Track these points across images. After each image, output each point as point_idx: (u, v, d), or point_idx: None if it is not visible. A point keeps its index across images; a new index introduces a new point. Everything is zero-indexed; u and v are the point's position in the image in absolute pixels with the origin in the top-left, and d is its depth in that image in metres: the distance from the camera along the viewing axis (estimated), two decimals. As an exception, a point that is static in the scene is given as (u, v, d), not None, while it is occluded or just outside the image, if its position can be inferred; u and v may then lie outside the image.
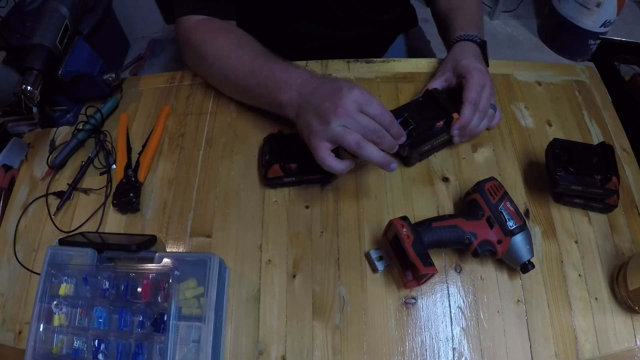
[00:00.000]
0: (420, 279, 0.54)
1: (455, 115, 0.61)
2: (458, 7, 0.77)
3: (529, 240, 0.54)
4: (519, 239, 0.53)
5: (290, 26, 0.82)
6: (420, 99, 0.66)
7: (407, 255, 0.50)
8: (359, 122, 0.52)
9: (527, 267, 0.53)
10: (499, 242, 0.53)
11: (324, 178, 0.63)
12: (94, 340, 0.49)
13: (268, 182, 0.62)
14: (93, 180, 0.66)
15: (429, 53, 1.01)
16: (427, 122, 0.62)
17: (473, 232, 0.53)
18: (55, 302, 0.51)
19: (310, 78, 0.58)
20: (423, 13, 0.98)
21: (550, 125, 0.70)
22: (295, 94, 0.57)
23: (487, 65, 0.69)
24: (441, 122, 0.62)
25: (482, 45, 0.70)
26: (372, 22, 0.85)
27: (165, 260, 0.51)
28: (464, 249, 0.55)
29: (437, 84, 0.68)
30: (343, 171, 0.54)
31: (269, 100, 0.61)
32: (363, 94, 0.53)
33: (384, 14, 0.86)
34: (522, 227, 0.53)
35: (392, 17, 0.88)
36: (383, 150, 0.54)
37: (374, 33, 0.87)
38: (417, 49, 1.00)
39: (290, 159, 0.60)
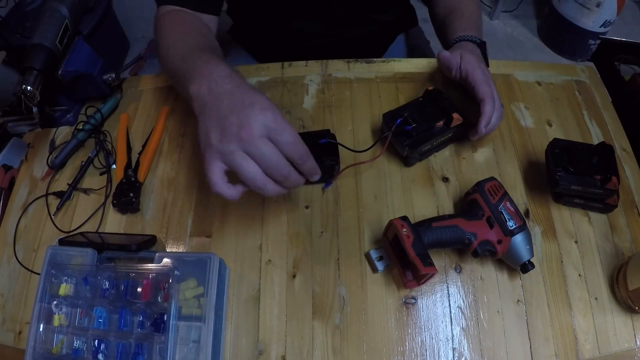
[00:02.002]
0: (420, 279, 0.54)
1: (455, 115, 0.61)
2: (456, 9, 0.76)
3: (529, 240, 0.54)
4: (519, 239, 0.53)
5: (289, 24, 0.82)
6: (420, 99, 0.66)
7: (407, 255, 0.50)
8: (262, 152, 0.43)
9: (527, 267, 0.53)
10: (499, 242, 0.53)
11: (325, 179, 0.63)
12: (94, 340, 0.49)
13: None
14: (93, 180, 0.66)
15: (429, 53, 1.01)
16: (427, 122, 0.62)
17: (473, 232, 0.53)
18: (55, 302, 0.51)
19: (227, 76, 0.49)
20: (423, 13, 0.98)
21: (550, 125, 0.70)
22: (205, 88, 0.48)
23: (487, 66, 0.68)
24: (441, 122, 0.62)
25: (482, 46, 0.70)
26: (372, 21, 0.85)
27: (165, 260, 0.51)
28: (464, 249, 0.55)
29: (450, 58, 0.66)
30: (234, 198, 0.46)
31: (184, 91, 0.53)
32: (276, 118, 0.44)
33: (383, 14, 0.86)
34: (522, 227, 0.53)
35: (392, 17, 0.88)
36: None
37: (374, 32, 0.87)
38: (417, 49, 1.00)
39: None
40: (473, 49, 0.68)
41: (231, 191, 0.46)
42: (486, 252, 0.54)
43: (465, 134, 0.64)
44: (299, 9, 0.79)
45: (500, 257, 0.54)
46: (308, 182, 0.50)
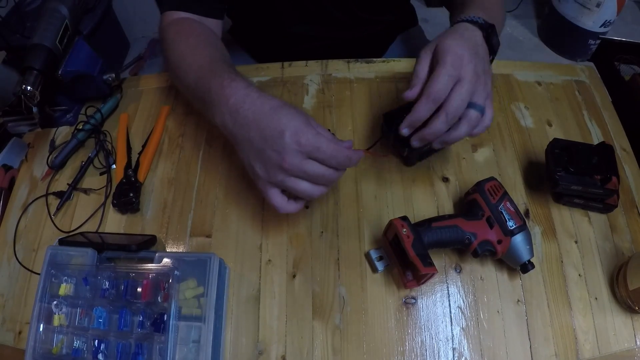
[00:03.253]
0: (420, 279, 0.54)
1: None
2: None
3: (529, 240, 0.54)
4: (519, 239, 0.53)
5: (289, 28, 0.82)
6: None
7: (407, 255, 0.50)
8: (307, 173, 0.46)
9: (527, 267, 0.53)
10: (499, 242, 0.53)
11: None
12: (94, 340, 0.49)
13: None
14: (93, 180, 0.66)
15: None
16: (427, 122, 0.62)
17: (473, 232, 0.53)
18: (55, 302, 0.51)
19: (243, 98, 0.49)
20: (423, 13, 0.99)
21: (550, 125, 0.70)
22: (228, 119, 0.50)
23: (492, 57, 0.57)
24: None
25: (487, 29, 0.55)
26: (371, 22, 0.85)
27: (165, 260, 0.51)
28: (464, 249, 0.55)
29: (418, 80, 0.54)
30: (297, 210, 0.51)
31: (206, 116, 0.55)
32: (308, 139, 0.45)
33: (383, 16, 0.85)
34: (522, 227, 0.53)
35: (391, 18, 0.88)
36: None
37: (374, 34, 0.87)
38: (417, 49, 1.00)
39: None
40: (463, 32, 0.53)
41: (294, 206, 0.51)
42: (486, 252, 0.54)
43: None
44: (298, 13, 0.79)
45: (500, 257, 0.54)
46: None
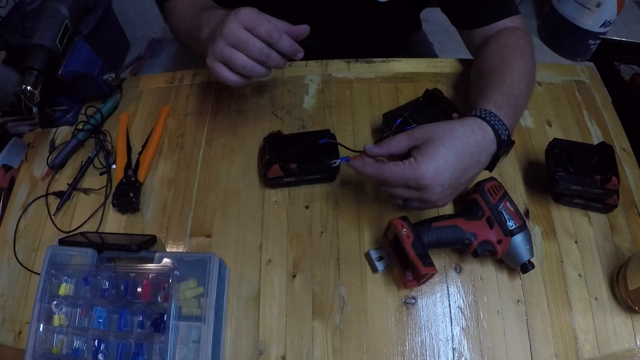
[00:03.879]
0: (420, 279, 0.54)
1: (455, 115, 0.61)
2: (495, 71, 0.59)
3: (529, 240, 0.54)
4: (518, 239, 0.53)
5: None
6: (420, 99, 0.66)
7: (407, 255, 0.50)
8: (240, 39, 0.51)
9: (527, 267, 0.53)
10: (499, 242, 0.53)
11: (326, 178, 0.63)
12: (94, 340, 0.49)
13: (268, 182, 0.62)
14: (93, 180, 0.66)
15: (430, 53, 1.01)
16: (427, 122, 0.62)
17: (473, 232, 0.53)
18: (55, 302, 0.51)
19: (223, 14, 0.56)
20: (423, 13, 0.98)
21: (550, 125, 0.70)
22: (208, 29, 0.58)
23: (490, 170, 0.53)
24: None
25: (504, 146, 0.50)
26: (378, 37, 0.85)
27: (165, 260, 0.51)
28: (464, 249, 0.55)
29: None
30: (239, 82, 0.54)
31: (197, 41, 0.62)
32: (251, 14, 0.52)
33: (392, 35, 0.85)
34: (522, 227, 0.53)
35: (399, 33, 0.88)
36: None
37: (380, 47, 0.87)
38: (418, 50, 1.00)
39: (290, 159, 0.60)
40: (468, 136, 0.48)
41: (233, 77, 0.54)
42: (486, 252, 0.54)
43: None
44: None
45: (500, 257, 0.54)
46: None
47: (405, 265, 0.54)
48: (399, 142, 0.51)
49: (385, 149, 0.51)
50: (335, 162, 0.58)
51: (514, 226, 0.53)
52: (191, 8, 0.68)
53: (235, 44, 0.51)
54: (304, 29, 0.54)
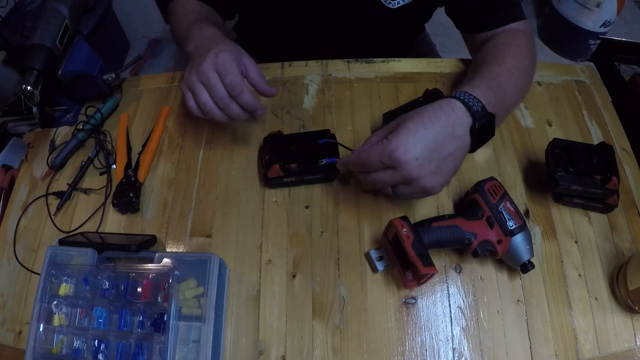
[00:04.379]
0: (420, 279, 0.54)
1: None
2: (485, 62, 0.61)
3: (528, 240, 0.54)
4: (518, 239, 0.53)
5: (293, 43, 0.83)
6: (420, 99, 0.66)
7: (407, 255, 0.50)
8: (209, 82, 0.55)
9: (527, 267, 0.53)
10: (499, 242, 0.53)
11: (325, 178, 0.63)
12: (94, 340, 0.49)
13: (268, 182, 0.62)
14: (93, 180, 0.66)
15: (430, 53, 1.00)
16: None
17: (473, 232, 0.53)
18: (55, 302, 0.51)
19: (209, 35, 0.62)
20: (423, 13, 0.98)
21: (550, 125, 0.70)
22: (193, 46, 0.62)
23: (471, 149, 0.51)
24: None
25: (480, 119, 0.49)
26: (383, 46, 0.85)
27: (165, 260, 0.51)
28: (464, 249, 0.55)
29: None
30: (200, 115, 0.58)
31: (184, 51, 0.66)
32: (225, 61, 0.55)
33: (396, 43, 0.85)
34: (522, 227, 0.53)
35: (407, 40, 0.88)
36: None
37: (388, 55, 0.87)
38: (418, 50, 1.00)
39: (290, 159, 0.60)
40: (441, 115, 0.49)
41: (195, 108, 0.57)
42: (486, 252, 0.54)
43: None
44: (303, 33, 0.80)
45: (500, 257, 0.54)
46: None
47: (405, 265, 0.54)
48: (378, 135, 0.53)
49: (367, 144, 0.53)
50: (322, 162, 0.59)
51: (514, 226, 0.53)
52: (187, 16, 0.71)
53: (204, 83, 0.55)
54: (272, 93, 0.60)
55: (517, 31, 0.66)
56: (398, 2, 0.71)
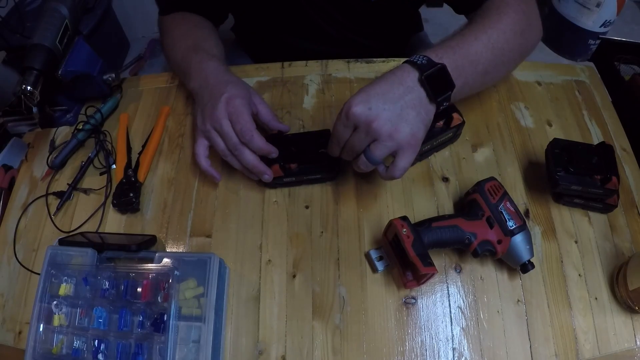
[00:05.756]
0: (420, 279, 0.54)
1: (455, 115, 0.61)
2: (459, 29, 0.60)
3: (528, 240, 0.54)
4: (518, 239, 0.53)
5: (289, 41, 0.83)
6: None
7: (407, 255, 0.50)
8: (223, 131, 0.57)
9: (527, 267, 0.53)
10: (499, 242, 0.53)
11: (325, 178, 0.63)
12: (94, 340, 0.49)
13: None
14: (93, 180, 0.66)
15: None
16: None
17: (473, 232, 0.53)
18: (55, 302, 0.51)
19: (213, 72, 0.62)
20: (423, 13, 0.98)
21: (550, 125, 0.70)
22: (197, 84, 0.63)
23: (442, 104, 0.52)
24: (441, 122, 0.62)
25: (427, 69, 0.50)
26: (377, 40, 0.85)
27: (165, 260, 0.51)
28: (464, 249, 0.55)
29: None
30: (205, 168, 0.60)
31: (185, 83, 0.68)
32: (236, 107, 0.57)
33: (389, 36, 0.85)
34: (522, 227, 0.53)
35: (398, 35, 0.88)
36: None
37: (380, 48, 0.87)
38: (418, 49, 1.00)
39: (290, 159, 0.60)
40: (389, 75, 0.51)
41: (204, 163, 0.60)
42: (486, 252, 0.54)
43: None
44: (299, 30, 0.80)
45: (500, 257, 0.54)
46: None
47: (405, 265, 0.54)
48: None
49: None
50: (322, 150, 0.59)
51: (514, 226, 0.53)
52: (182, 41, 0.69)
53: (219, 131, 0.58)
54: (285, 129, 0.63)
55: (505, 2, 0.60)
56: None
